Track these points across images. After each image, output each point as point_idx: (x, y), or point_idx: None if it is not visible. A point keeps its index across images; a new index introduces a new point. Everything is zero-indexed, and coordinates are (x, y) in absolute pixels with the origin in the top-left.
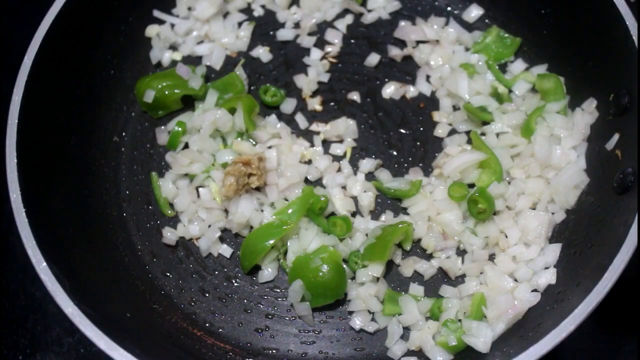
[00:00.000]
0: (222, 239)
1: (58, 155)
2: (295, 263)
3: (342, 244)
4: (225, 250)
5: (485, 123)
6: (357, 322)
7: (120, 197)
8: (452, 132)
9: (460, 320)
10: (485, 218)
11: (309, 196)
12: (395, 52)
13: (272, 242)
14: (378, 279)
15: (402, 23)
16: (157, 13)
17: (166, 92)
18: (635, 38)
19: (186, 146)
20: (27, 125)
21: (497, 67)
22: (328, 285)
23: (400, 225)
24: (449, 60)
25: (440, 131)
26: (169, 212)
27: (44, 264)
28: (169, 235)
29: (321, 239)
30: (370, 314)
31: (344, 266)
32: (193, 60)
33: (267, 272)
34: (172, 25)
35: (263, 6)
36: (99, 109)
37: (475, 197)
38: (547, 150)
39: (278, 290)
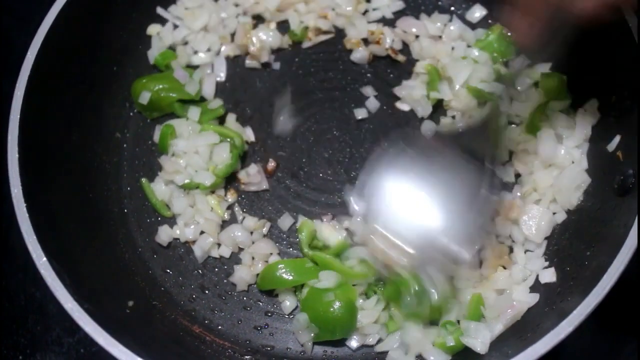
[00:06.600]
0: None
1: (60, 151)
2: (309, 293)
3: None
4: (225, 251)
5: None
6: (355, 343)
7: (121, 193)
8: None
9: (458, 321)
10: None
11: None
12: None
13: (297, 280)
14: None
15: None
16: (160, 10)
17: (162, 95)
18: (636, 39)
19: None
20: (29, 120)
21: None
22: (337, 322)
23: None
24: (449, 55)
25: None
26: (168, 212)
27: (44, 259)
28: (163, 235)
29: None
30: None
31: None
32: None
33: (289, 303)
34: (175, 26)
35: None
36: (101, 105)
37: None
38: (552, 149)
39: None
